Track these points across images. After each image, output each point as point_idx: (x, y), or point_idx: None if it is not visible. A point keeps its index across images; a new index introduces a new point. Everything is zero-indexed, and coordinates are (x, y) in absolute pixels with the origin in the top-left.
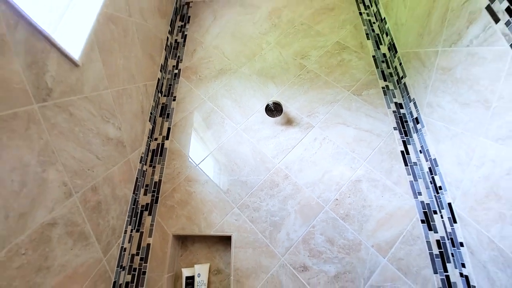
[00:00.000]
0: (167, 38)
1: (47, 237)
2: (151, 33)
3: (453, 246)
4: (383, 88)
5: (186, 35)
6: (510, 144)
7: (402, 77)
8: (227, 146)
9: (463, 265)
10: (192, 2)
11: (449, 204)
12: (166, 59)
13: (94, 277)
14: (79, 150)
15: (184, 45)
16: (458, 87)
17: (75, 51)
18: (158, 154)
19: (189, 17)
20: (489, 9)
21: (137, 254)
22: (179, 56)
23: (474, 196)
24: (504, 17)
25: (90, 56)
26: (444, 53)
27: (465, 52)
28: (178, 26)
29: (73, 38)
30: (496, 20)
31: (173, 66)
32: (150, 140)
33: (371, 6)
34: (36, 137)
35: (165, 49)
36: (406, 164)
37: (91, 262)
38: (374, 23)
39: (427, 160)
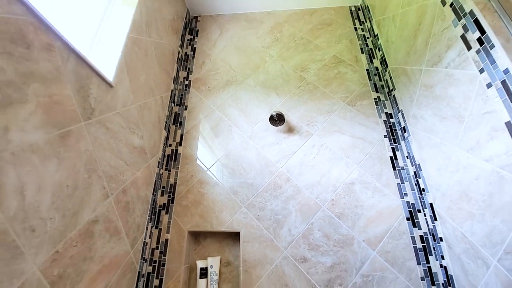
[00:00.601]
0: (178, 51)
1: (91, 232)
2: (166, 49)
3: (434, 240)
4: (375, 99)
5: (195, 48)
6: (477, 154)
7: (392, 90)
8: (234, 151)
9: (443, 257)
10: (200, 16)
11: (431, 204)
12: (178, 71)
13: (123, 267)
14: (113, 158)
15: (193, 58)
16: (438, 103)
17: (110, 74)
18: (173, 159)
19: (198, 30)
20: (463, 37)
21: (157, 248)
22: (189, 68)
23: (450, 198)
24: (475, 45)
25: (120, 77)
26: (427, 72)
27: (444, 73)
28: (188, 39)
29: (107, 63)
30: (469, 47)
31: (184, 77)
32: (166, 147)
33: (366, 22)
34: (83, 149)
35: (177, 62)
36: (394, 168)
37: (122, 254)
38: (368, 38)
39: (412, 165)
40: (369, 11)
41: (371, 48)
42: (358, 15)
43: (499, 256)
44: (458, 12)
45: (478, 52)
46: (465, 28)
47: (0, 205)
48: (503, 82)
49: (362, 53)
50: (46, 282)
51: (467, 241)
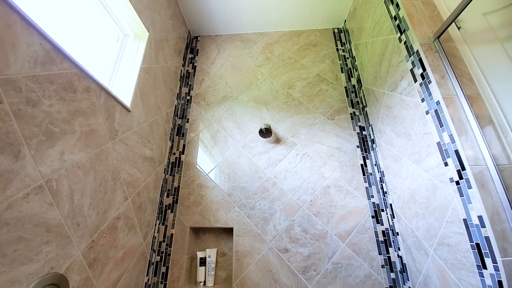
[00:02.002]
0: (181, 70)
1: (115, 227)
2: (171, 70)
3: (393, 235)
4: (351, 114)
5: (195, 66)
6: (420, 165)
7: (365, 106)
8: (229, 159)
9: (399, 249)
10: (200, 36)
11: (390, 205)
12: (180, 87)
13: (138, 255)
14: (130, 168)
15: (194, 75)
16: (395, 121)
17: (128, 100)
18: (177, 166)
19: (198, 50)
20: (411, 71)
21: (164, 241)
22: (190, 85)
23: (403, 199)
24: (419, 79)
25: (135, 102)
26: (388, 95)
27: (398, 98)
28: (189, 58)
29: (125, 92)
30: (415, 80)
31: (186, 93)
32: (170, 155)
33: (346, 43)
34: (110, 163)
35: (180, 80)
36: (364, 174)
37: (137, 245)
38: (347, 58)
39: (378, 172)
40: (349, 34)
41: (350, 68)
42: (340, 37)
43: (434, 247)
44: (409, 50)
45: (421, 84)
46: (413, 64)
47: (58, 206)
48: (436, 111)
49: (342, 72)
50: (86, 263)
51: (414, 235)
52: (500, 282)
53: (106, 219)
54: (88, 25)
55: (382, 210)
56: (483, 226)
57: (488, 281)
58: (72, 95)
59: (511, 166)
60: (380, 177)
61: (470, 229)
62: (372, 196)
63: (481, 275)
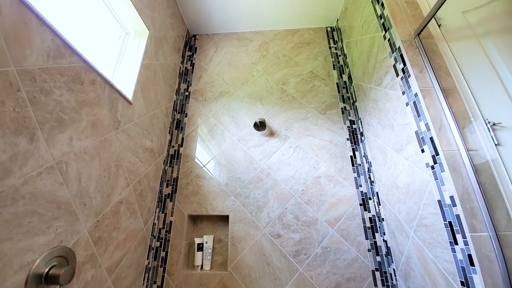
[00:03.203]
0: (180, 67)
1: (118, 210)
2: (170, 67)
3: (379, 221)
4: (342, 108)
5: (194, 63)
6: (401, 154)
7: (355, 101)
8: (226, 151)
9: (384, 233)
10: (198, 35)
11: (377, 193)
12: (179, 84)
13: (139, 239)
14: (132, 157)
15: (192, 72)
16: (381, 114)
17: (129, 94)
18: (176, 158)
19: (196, 48)
20: (394, 66)
21: (163, 228)
22: (189, 81)
23: (387, 186)
24: (401, 73)
25: (137, 95)
26: (375, 90)
27: (383, 92)
28: (188, 56)
29: (127, 86)
30: (397, 75)
31: (184, 89)
32: (170, 147)
33: (338, 42)
34: (113, 151)
35: (179, 76)
36: (353, 165)
37: (138, 229)
38: (339, 56)
39: (367, 162)
40: (341, 33)
41: (341, 65)
42: (333, 35)
43: (414, 229)
44: (392, 46)
45: (402, 78)
46: (395, 59)
47: (68, 186)
48: (414, 103)
49: (334, 69)
50: (91, 241)
51: (396, 219)
52: (469, 256)
53: (109, 202)
54: (92, 23)
55: (370, 198)
56: (455, 205)
57: (460, 256)
58: (80, 86)
59: (481, 151)
60: (368, 168)
61: (444, 209)
62: (360, 185)
63: (453, 250)
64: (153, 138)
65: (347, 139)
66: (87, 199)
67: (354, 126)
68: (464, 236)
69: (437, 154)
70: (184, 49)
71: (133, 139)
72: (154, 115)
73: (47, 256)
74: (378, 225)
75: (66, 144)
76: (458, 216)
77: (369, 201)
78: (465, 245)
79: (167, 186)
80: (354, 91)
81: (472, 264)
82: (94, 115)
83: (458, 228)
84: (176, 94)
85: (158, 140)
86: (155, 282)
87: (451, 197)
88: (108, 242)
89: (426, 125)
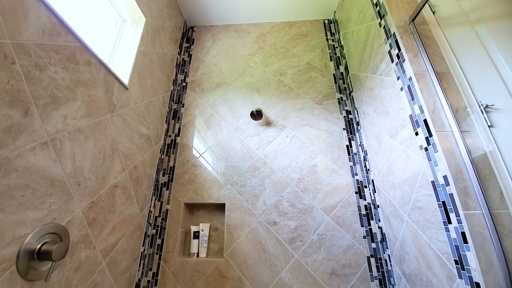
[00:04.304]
0: (177, 58)
1: (113, 193)
2: (167, 56)
3: (374, 208)
4: (338, 99)
5: (191, 54)
6: (396, 139)
7: (351, 91)
8: (222, 141)
9: (379, 220)
10: (195, 26)
11: (372, 180)
12: (176, 74)
13: (134, 225)
14: (128, 142)
15: (190, 63)
16: (376, 101)
17: (125, 79)
18: (172, 147)
19: (193, 39)
20: (389, 52)
21: (159, 216)
22: (186, 72)
23: (382, 173)
24: (395, 59)
25: (133, 81)
26: (370, 78)
27: (379, 79)
28: (185, 47)
29: (123, 71)
30: (392, 60)
31: (182, 80)
32: (166, 137)
33: (335, 34)
34: (109, 134)
35: (176, 67)
36: (349, 154)
37: (133, 215)
38: (336, 47)
39: (362, 151)
40: (338, 25)
41: (338, 56)
42: (330, 27)
43: (408, 212)
44: (387, 33)
45: (396, 64)
46: (390, 46)
47: (62, 164)
48: (408, 87)
49: (331, 60)
50: (85, 221)
51: (391, 204)
52: (463, 233)
53: (104, 184)
54: (88, 9)
55: (365, 187)
56: (448, 184)
57: (453, 235)
58: (75, 66)
59: (474, 133)
60: (363, 156)
61: (437, 189)
62: (356, 174)
63: (447, 230)
64: (149, 125)
65: (343, 129)
66: (81, 179)
67: (350, 116)
68: (457, 215)
69: (431, 135)
70: (182, 40)
71: (129, 124)
72: (150, 103)
73: (40, 231)
74: (373, 212)
75: (61, 122)
76: (451, 195)
77: (365, 189)
78: (458, 223)
79: (163, 175)
80: (350, 82)
81: (465, 241)
82: (89, 96)
83: (452, 207)
84: (173, 84)
85: (154, 128)
86: (150, 269)
87: (445, 177)
88: (103, 224)
89: (420, 107)
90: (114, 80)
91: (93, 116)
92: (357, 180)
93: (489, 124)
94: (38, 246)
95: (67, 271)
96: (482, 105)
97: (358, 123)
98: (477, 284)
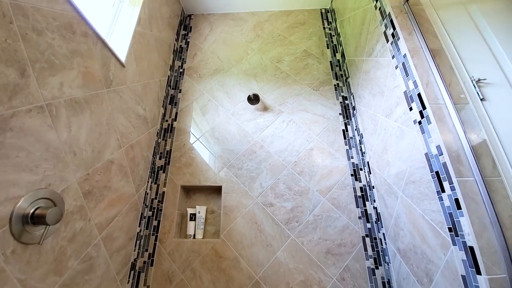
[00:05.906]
0: (174, 44)
1: (109, 169)
2: (164, 42)
3: (370, 189)
4: (335, 85)
5: (188, 42)
6: (391, 118)
7: (348, 78)
8: (219, 125)
9: (374, 201)
10: (193, 14)
11: (368, 162)
12: (173, 60)
13: (130, 204)
14: (124, 120)
15: (187, 50)
16: (372, 83)
17: (123, 56)
18: (169, 131)
19: (191, 27)
20: (384, 33)
21: (156, 198)
22: (183, 58)
23: (377, 153)
24: (390, 39)
25: (130, 60)
26: (366, 61)
27: (374, 61)
28: (182, 34)
29: (121, 48)
30: (387, 40)
31: (179, 66)
32: (163, 121)
33: (332, 22)
34: (105, 109)
35: (173, 53)
36: (345, 138)
37: (129, 194)
38: (333, 36)
39: (358, 135)
40: (335, 14)
41: (335, 44)
42: (327, 16)
43: (402, 188)
44: (383, 14)
45: (391, 43)
46: (386, 26)
47: (57, 131)
48: (403, 64)
49: (328, 48)
50: (81, 192)
51: (386, 183)
52: (456, 200)
53: (100, 158)
54: None
55: (361, 169)
56: (441, 154)
57: (447, 203)
58: (72, 35)
59: (467, 105)
60: (359, 140)
61: (431, 160)
62: (352, 157)
63: (441, 199)
64: (146, 106)
65: (340, 114)
66: (77, 149)
67: (346, 101)
68: (451, 182)
69: (424, 108)
70: (179, 27)
71: (125, 102)
72: (147, 84)
73: (34, 195)
74: (368, 194)
75: (57, 89)
76: (444, 164)
77: (360, 171)
78: (451, 190)
79: (160, 159)
80: (347, 68)
81: (459, 207)
82: (86, 67)
83: (445, 175)
84: (170, 70)
85: (151, 110)
86: (146, 250)
87: (438, 147)
88: (99, 198)
89: (414, 82)
90: (111, 55)
91: (89, 88)
92: (353, 163)
93: (482, 97)
94: (32, 210)
95: (61, 239)
96: (474, 79)
97: (354, 108)
98: (471, 248)
